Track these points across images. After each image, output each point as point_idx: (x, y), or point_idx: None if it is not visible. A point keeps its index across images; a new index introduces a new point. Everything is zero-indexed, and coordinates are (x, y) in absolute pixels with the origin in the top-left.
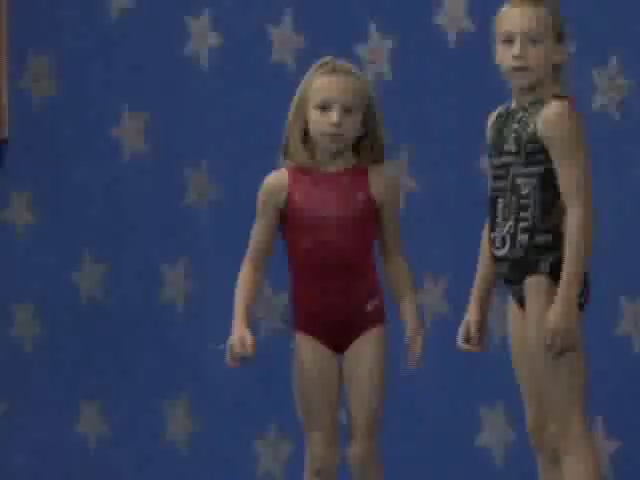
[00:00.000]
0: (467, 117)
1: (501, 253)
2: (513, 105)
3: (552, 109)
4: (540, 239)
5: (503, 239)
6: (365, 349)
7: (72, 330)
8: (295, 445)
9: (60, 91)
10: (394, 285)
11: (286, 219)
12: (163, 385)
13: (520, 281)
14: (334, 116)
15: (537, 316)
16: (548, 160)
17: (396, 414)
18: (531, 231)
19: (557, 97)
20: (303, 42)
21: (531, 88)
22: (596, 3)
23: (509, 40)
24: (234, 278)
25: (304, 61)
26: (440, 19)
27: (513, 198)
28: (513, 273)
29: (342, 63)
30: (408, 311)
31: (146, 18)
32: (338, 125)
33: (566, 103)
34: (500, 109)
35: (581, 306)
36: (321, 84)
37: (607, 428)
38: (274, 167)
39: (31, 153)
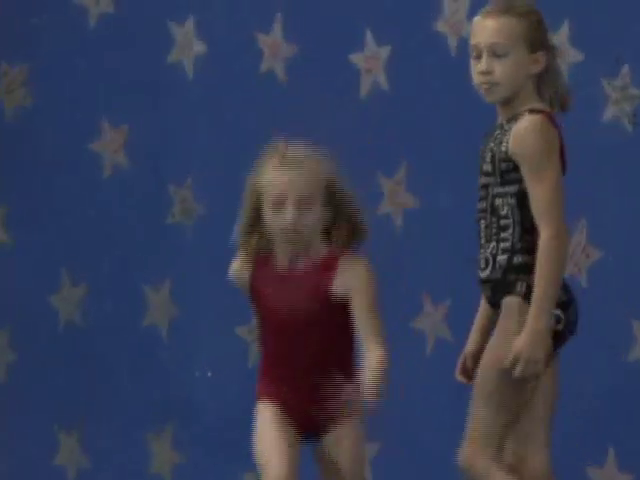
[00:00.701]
0: (469, 130)
1: (484, 275)
2: (497, 122)
3: (522, 124)
4: (518, 259)
5: (486, 261)
6: (341, 446)
7: (50, 357)
8: None
9: (35, 102)
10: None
11: (253, 305)
12: (147, 415)
13: (500, 304)
14: (289, 214)
15: (500, 335)
16: (523, 178)
17: (394, 443)
18: (510, 251)
19: (532, 111)
20: (294, 50)
21: (506, 103)
22: (605, 12)
23: (478, 55)
24: (221, 299)
25: (296, 71)
26: (440, 25)
27: (493, 219)
28: (494, 296)
29: (294, 149)
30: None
31: (127, 24)
32: (294, 224)
33: (539, 117)
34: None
35: (564, 335)
36: (271, 179)
37: (619, 460)
38: None
39: (4, 167)
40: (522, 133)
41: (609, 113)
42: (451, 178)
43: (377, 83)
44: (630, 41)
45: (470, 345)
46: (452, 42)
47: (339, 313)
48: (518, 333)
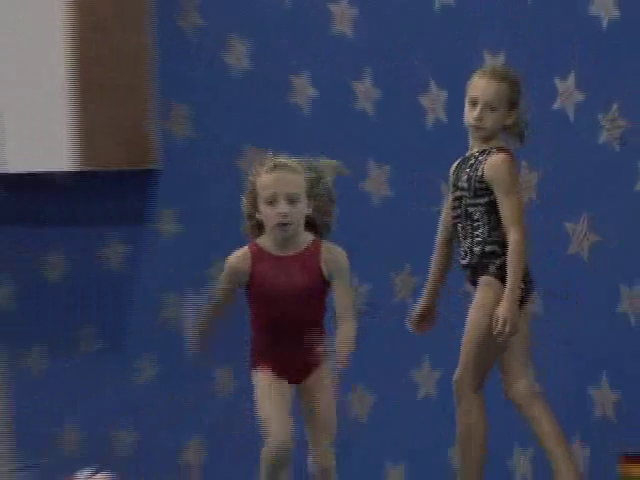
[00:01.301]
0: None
1: (464, 262)
2: (469, 151)
3: (494, 158)
4: (489, 248)
5: (465, 252)
6: (320, 385)
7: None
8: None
9: (197, 132)
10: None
11: (249, 291)
12: None
13: (477, 281)
14: (281, 207)
15: (480, 302)
16: (492, 193)
17: (452, 369)
18: (483, 243)
19: (500, 149)
20: (380, 94)
21: (485, 140)
22: (601, 65)
23: (474, 103)
24: None
25: (382, 109)
26: None
27: (467, 222)
28: (473, 276)
29: (280, 159)
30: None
31: (261, 76)
32: (285, 215)
33: (506, 154)
34: (461, 158)
35: (526, 297)
36: (266, 181)
37: (610, 381)
38: (359, 197)
39: (176, 179)
40: (497, 164)
41: (603, 137)
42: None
43: (439, 118)
44: (619, 86)
45: (426, 300)
46: None
47: (321, 287)
48: (494, 301)
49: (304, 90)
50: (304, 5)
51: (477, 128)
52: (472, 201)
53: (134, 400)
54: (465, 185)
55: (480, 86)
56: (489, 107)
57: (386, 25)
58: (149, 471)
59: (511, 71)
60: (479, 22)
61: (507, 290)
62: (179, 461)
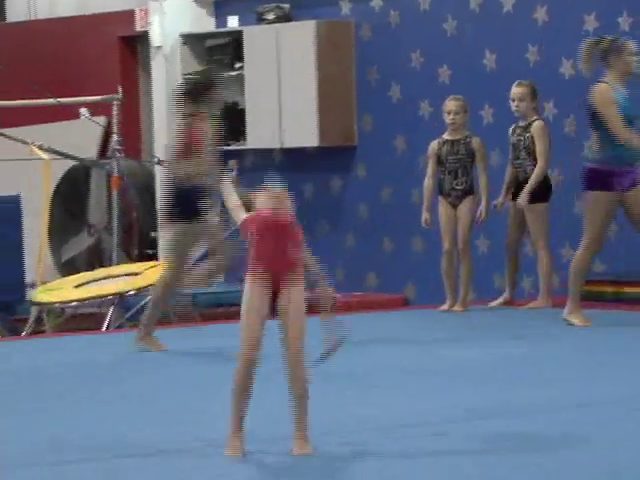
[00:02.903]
0: None
1: (460, 187)
2: (449, 136)
3: (477, 140)
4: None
5: (461, 182)
6: (294, 296)
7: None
8: None
9: (374, 128)
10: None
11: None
12: None
13: (460, 199)
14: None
15: (468, 209)
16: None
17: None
18: (470, 184)
19: (475, 136)
20: None
21: (456, 129)
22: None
23: (449, 113)
24: None
25: None
26: None
27: (465, 171)
28: (462, 197)
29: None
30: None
31: (404, 102)
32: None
33: (482, 141)
34: (439, 140)
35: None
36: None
37: (572, 246)
38: None
39: (364, 151)
40: (480, 143)
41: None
42: None
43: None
44: None
45: (428, 214)
46: None
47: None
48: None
49: (426, 109)
50: (426, 61)
51: (452, 124)
52: (467, 159)
53: None
54: (464, 151)
55: (449, 105)
56: (456, 113)
57: None
58: None
59: (461, 97)
60: None
61: (484, 202)
62: None
